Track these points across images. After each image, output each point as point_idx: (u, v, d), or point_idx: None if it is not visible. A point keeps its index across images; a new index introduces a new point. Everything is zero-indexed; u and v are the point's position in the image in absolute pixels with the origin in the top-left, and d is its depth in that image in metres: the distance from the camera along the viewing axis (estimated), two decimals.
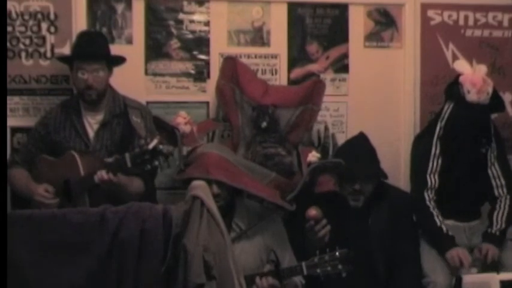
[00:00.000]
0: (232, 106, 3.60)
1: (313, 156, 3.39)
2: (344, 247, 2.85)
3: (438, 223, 3.27)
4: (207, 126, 3.63)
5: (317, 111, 3.65)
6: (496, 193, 3.40)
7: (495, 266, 3.17)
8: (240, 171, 3.17)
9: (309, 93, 3.63)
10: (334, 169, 3.27)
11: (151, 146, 2.92)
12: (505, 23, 4.04)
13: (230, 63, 3.65)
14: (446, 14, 3.98)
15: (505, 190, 3.39)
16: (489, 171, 3.41)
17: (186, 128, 3.15)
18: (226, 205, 3.03)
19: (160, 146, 2.92)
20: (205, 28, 3.80)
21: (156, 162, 2.94)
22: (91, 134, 3.29)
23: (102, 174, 2.98)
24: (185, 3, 3.79)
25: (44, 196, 3.12)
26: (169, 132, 3.05)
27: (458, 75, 3.39)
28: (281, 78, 3.86)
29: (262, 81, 3.74)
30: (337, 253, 2.83)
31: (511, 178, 3.42)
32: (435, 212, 3.29)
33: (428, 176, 3.34)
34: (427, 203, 3.31)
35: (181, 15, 3.79)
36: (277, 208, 3.19)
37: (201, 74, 3.79)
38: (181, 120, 3.17)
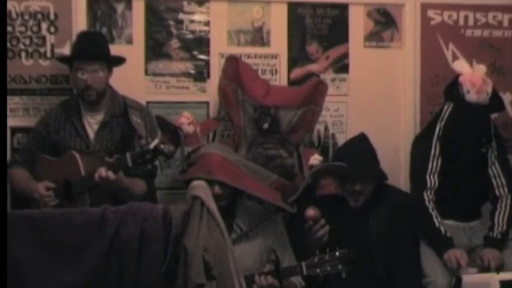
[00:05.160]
0: (234, 106, 3.60)
1: (315, 159, 3.39)
2: (344, 248, 2.85)
3: (437, 224, 3.27)
4: (209, 125, 3.63)
5: (319, 112, 3.65)
6: (497, 193, 3.40)
7: (500, 268, 3.17)
8: (242, 173, 3.17)
9: (311, 94, 3.63)
10: (336, 172, 3.27)
11: (152, 145, 2.93)
12: (505, 23, 4.04)
13: (232, 63, 3.65)
14: (446, 14, 3.98)
15: (506, 190, 3.39)
16: (489, 171, 3.41)
17: (189, 129, 3.15)
18: (228, 206, 3.03)
19: (162, 146, 2.93)
20: (205, 28, 3.80)
21: (157, 162, 2.94)
22: (91, 134, 3.29)
23: (101, 172, 2.97)
24: (185, 3, 3.79)
25: (44, 194, 3.12)
26: (172, 133, 3.05)
27: (458, 75, 3.40)
28: (281, 79, 3.86)
29: (264, 81, 3.73)
30: (337, 253, 2.83)
31: (511, 177, 3.42)
32: (434, 213, 3.29)
33: (427, 177, 3.34)
34: (427, 203, 3.31)
35: (181, 15, 3.79)
36: (278, 210, 3.19)
37: (201, 74, 3.80)
38: (185, 121, 3.17)
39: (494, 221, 3.33)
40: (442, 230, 3.25)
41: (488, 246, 3.26)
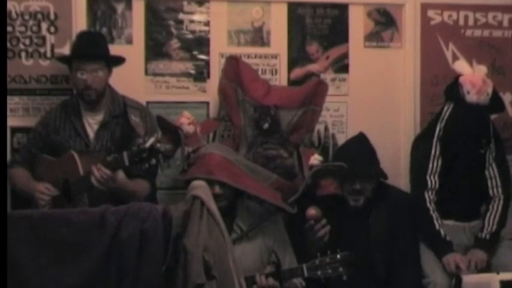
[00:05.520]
0: (234, 106, 3.60)
1: (315, 159, 3.39)
2: (344, 248, 2.85)
3: (437, 226, 3.27)
4: (210, 126, 3.63)
5: (319, 112, 3.65)
6: (491, 193, 3.40)
7: (487, 270, 3.17)
8: (242, 173, 3.17)
9: (311, 94, 3.62)
10: (337, 172, 3.27)
11: (148, 144, 2.92)
12: (505, 23, 4.04)
13: (233, 63, 3.65)
14: (446, 14, 3.98)
15: (500, 190, 3.39)
16: (486, 172, 3.41)
17: (190, 129, 3.14)
18: (228, 206, 3.03)
19: (158, 145, 2.92)
20: (205, 28, 3.80)
21: (154, 161, 2.93)
22: (91, 134, 3.29)
23: (100, 173, 2.97)
24: (185, 3, 3.79)
25: (43, 192, 3.12)
26: (172, 133, 3.05)
27: (458, 75, 3.40)
28: (281, 79, 3.85)
29: (265, 81, 3.73)
30: (338, 256, 2.84)
31: (507, 179, 3.42)
32: (435, 215, 3.29)
33: (428, 177, 3.34)
34: (428, 205, 3.30)
35: (181, 15, 3.78)
36: (278, 210, 3.19)
37: (201, 74, 3.79)
38: (185, 121, 3.17)
39: (485, 222, 3.34)
40: (442, 233, 3.26)
41: (476, 247, 3.27)
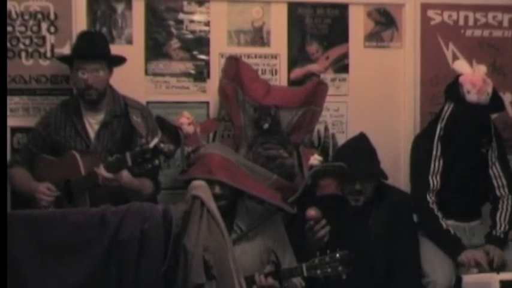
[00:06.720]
0: (234, 106, 3.60)
1: (315, 159, 3.39)
2: (344, 248, 2.85)
3: (444, 226, 3.26)
4: (210, 126, 3.63)
5: (319, 112, 3.65)
6: (498, 193, 3.40)
7: (500, 268, 3.17)
8: (242, 173, 3.17)
9: (311, 94, 3.63)
10: (336, 172, 3.27)
11: (152, 144, 2.93)
12: (505, 23, 4.04)
13: (233, 63, 3.65)
14: (446, 14, 3.98)
15: (506, 190, 3.39)
16: (490, 171, 3.41)
17: (190, 129, 3.15)
18: (228, 206, 3.03)
19: (161, 145, 2.93)
20: (205, 28, 3.80)
21: (157, 161, 2.94)
22: (91, 134, 3.29)
23: (102, 173, 2.98)
24: (185, 3, 3.79)
25: (45, 193, 3.12)
26: (172, 133, 3.05)
27: (458, 75, 3.40)
28: (281, 79, 3.86)
29: (265, 81, 3.74)
30: (337, 255, 2.83)
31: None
32: (439, 215, 3.28)
33: (430, 178, 3.34)
34: (430, 205, 3.30)
35: (181, 15, 3.79)
36: (278, 210, 3.20)
37: (201, 74, 3.80)
38: (185, 121, 3.17)
39: (496, 221, 3.33)
40: (451, 231, 3.25)
41: (491, 243, 3.27)
